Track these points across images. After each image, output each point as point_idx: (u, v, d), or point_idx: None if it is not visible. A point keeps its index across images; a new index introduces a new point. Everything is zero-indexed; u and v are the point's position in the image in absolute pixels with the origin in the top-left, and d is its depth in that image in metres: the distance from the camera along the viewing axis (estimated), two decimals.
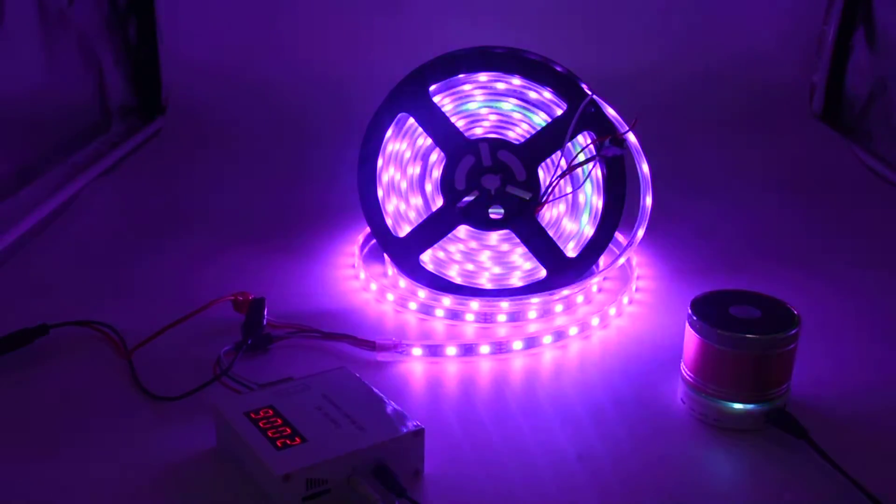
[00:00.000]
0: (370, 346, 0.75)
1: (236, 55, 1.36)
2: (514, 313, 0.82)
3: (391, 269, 0.89)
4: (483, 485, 0.60)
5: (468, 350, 0.76)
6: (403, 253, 0.86)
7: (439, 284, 0.85)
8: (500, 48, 0.82)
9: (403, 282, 0.86)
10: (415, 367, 0.75)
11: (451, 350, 0.75)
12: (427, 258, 0.86)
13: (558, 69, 0.81)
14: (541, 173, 0.82)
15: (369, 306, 0.85)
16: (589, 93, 0.80)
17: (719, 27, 1.38)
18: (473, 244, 0.87)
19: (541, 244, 0.84)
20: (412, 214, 0.87)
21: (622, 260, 0.86)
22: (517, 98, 0.83)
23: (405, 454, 0.59)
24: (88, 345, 0.76)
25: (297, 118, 1.30)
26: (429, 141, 0.84)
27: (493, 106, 0.83)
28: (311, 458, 0.56)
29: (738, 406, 0.65)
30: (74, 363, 0.74)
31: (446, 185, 0.83)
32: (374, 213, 0.86)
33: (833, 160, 1.25)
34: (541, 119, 0.83)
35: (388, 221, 0.86)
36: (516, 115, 0.84)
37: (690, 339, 0.67)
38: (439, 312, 0.82)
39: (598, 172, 0.82)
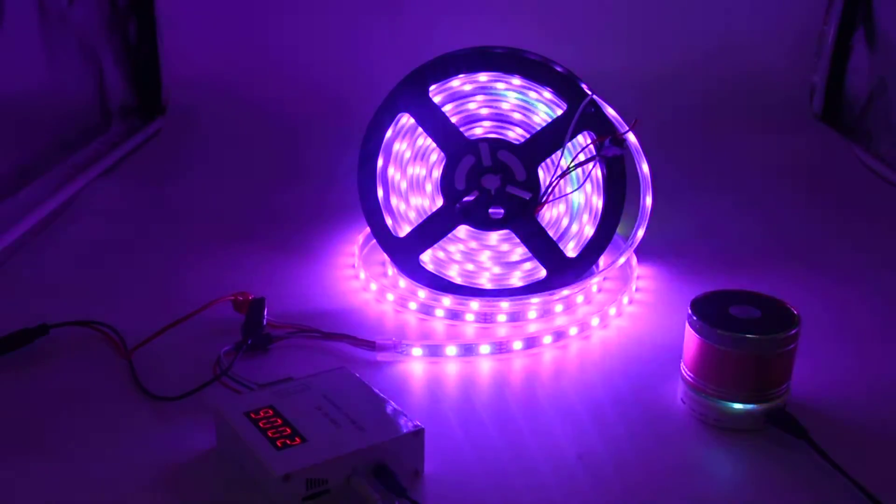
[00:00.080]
0: (370, 346, 0.75)
1: (236, 55, 1.36)
2: (514, 313, 0.82)
3: (391, 269, 0.89)
4: (483, 485, 0.60)
5: (468, 350, 0.76)
6: (403, 253, 0.86)
7: (439, 284, 0.85)
8: (500, 48, 0.82)
9: (403, 282, 0.86)
10: (415, 367, 0.75)
11: (451, 350, 0.75)
12: (427, 258, 0.86)
13: (558, 69, 0.81)
14: (541, 173, 0.82)
15: (369, 306, 0.85)
16: (589, 93, 0.80)
17: (719, 27, 1.38)
18: (473, 244, 0.87)
19: (541, 244, 0.84)
20: (412, 214, 0.87)
21: (622, 260, 0.86)
22: (517, 98, 0.83)
23: (405, 454, 0.59)
24: (88, 345, 0.76)
25: (297, 118, 1.30)
26: (429, 141, 0.84)
27: (493, 106, 0.84)
28: (311, 458, 0.56)
29: (738, 406, 0.65)
30: (74, 363, 0.74)
31: (446, 185, 0.83)
32: (374, 213, 0.86)
33: (833, 160, 1.25)
34: (541, 119, 0.83)
35: (388, 221, 0.86)
36: (516, 115, 0.84)
37: (690, 339, 0.67)
38: (439, 312, 0.82)
39: (598, 172, 0.82)
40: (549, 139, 0.81)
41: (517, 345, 0.76)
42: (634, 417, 0.68)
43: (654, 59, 1.36)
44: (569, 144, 0.81)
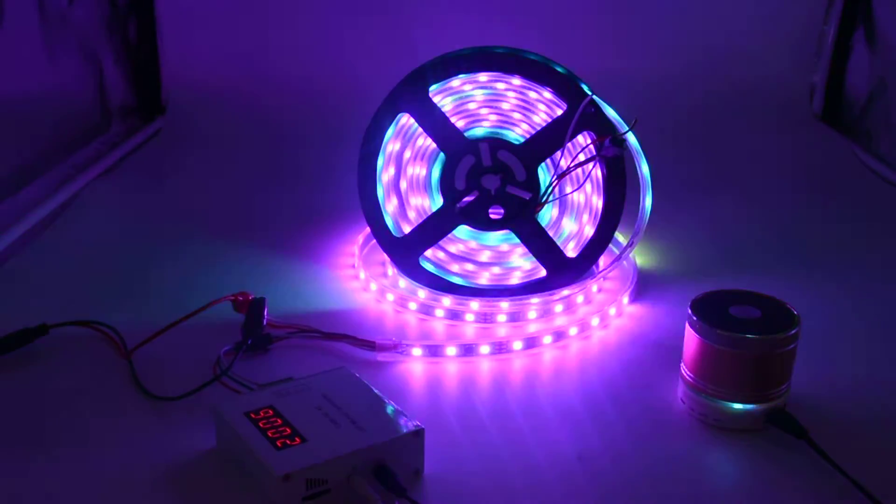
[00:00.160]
0: (370, 346, 0.75)
1: (236, 55, 1.36)
2: (514, 313, 0.82)
3: (391, 269, 0.89)
4: (483, 485, 0.60)
5: (468, 350, 0.76)
6: (403, 253, 0.86)
7: (439, 284, 0.85)
8: (500, 48, 0.82)
9: (403, 282, 0.86)
10: (415, 367, 0.75)
11: (451, 350, 0.75)
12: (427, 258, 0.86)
13: (558, 69, 0.81)
14: (541, 173, 0.82)
15: (369, 306, 0.85)
16: (589, 93, 0.80)
17: (719, 27, 1.38)
18: (473, 244, 0.87)
19: (541, 244, 0.84)
20: (412, 214, 0.87)
21: (622, 260, 0.86)
22: (517, 98, 0.83)
23: (405, 454, 0.59)
24: (88, 345, 0.76)
25: (298, 118, 1.30)
26: (429, 141, 0.84)
27: (493, 106, 0.84)
28: (311, 458, 0.56)
29: (737, 406, 0.65)
30: (74, 363, 0.74)
31: (446, 185, 0.83)
32: (374, 213, 0.86)
33: (833, 160, 1.25)
34: (541, 119, 0.83)
35: (388, 221, 0.86)
36: (516, 115, 0.84)
37: (690, 340, 0.67)
38: (439, 312, 0.82)
39: (598, 173, 0.82)
40: (549, 139, 0.81)
41: (517, 345, 0.76)
42: (634, 417, 0.68)
43: (654, 59, 1.36)
44: (569, 144, 0.81)
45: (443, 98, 0.83)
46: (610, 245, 0.85)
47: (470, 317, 0.82)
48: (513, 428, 0.67)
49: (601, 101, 0.79)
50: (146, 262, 0.93)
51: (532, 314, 0.82)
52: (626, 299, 0.85)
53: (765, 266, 0.94)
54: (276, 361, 0.74)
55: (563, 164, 0.81)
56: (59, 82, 1.15)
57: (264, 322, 0.76)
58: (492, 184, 0.83)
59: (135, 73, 1.37)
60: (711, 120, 1.32)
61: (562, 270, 0.84)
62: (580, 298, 0.85)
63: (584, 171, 0.82)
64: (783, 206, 1.11)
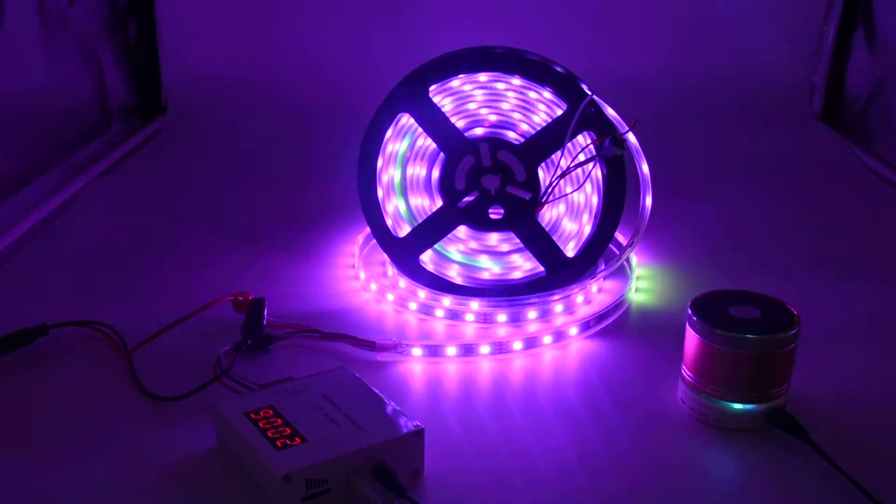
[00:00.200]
0: (370, 346, 0.75)
1: (236, 55, 1.36)
2: (514, 313, 0.82)
3: (391, 269, 0.89)
4: (483, 485, 0.60)
5: (468, 350, 0.76)
6: (403, 253, 0.86)
7: (439, 284, 0.85)
8: (500, 48, 0.82)
9: (403, 282, 0.86)
10: (415, 367, 0.75)
11: (451, 350, 0.75)
12: (427, 258, 0.86)
13: (558, 69, 0.81)
14: (541, 173, 0.82)
15: (369, 306, 0.85)
16: (589, 93, 0.80)
17: (719, 27, 1.38)
18: (473, 244, 0.87)
19: (541, 244, 0.84)
20: (412, 214, 0.87)
21: (622, 260, 0.86)
22: (517, 98, 0.83)
23: (405, 454, 0.59)
24: (88, 345, 0.76)
25: (297, 118, 1.30)
26: (429, 141, 0.84)
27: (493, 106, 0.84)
28: (311, 458, 0.56)
29: (737, 406, 0.65)
30: (74, 363, 0.74)
31: (446, 185, 0.83)
32: (374, 213, 0.86)
33: (833, 160, 1.25)
34: (541, 119, 0.83)
35: (388, 221, 0.86)
36: (516, 115, 0.84)
37: (690, 340, 0.67)
38: (439, 312, 0.82)
39: (598, 172, 0.82)
40: (549, 139, 0.81)
41: (517, 345, 0.76)
42: (634, 417, 0.68)
43: (654, 59, 1.36)
44: (569, 144, 0.81)
45: (443, 98, 0.83)
46: (610, 245, 0.85)
47: (470, 317, 0.82)
48: (513, 428, 0.67)
49: (601, 101, 0.79)
50: (146, 261, 0.93)
51: (532, 314, 0.82)
52: (625, 300, 0.85)
53: (765, 266, 0.94)
54: (276, 361, 0.74)
55: (563, 164, 0.81)
56: (59, 82, 1.16)
57: (264, 322, 0.76)
58: (492, 184, 0.83)
59: (135, 73, 1.37)
60: (711, 119, 1.32)
61: (562, 270, 0.84)
62: (580, 298, 0.85)
63: (584, 171, 0.82)
64: (783, 206, 1.11)
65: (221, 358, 0.70)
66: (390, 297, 0.85)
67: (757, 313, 0.66)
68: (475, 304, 0.82)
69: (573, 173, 0.82)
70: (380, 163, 0.85)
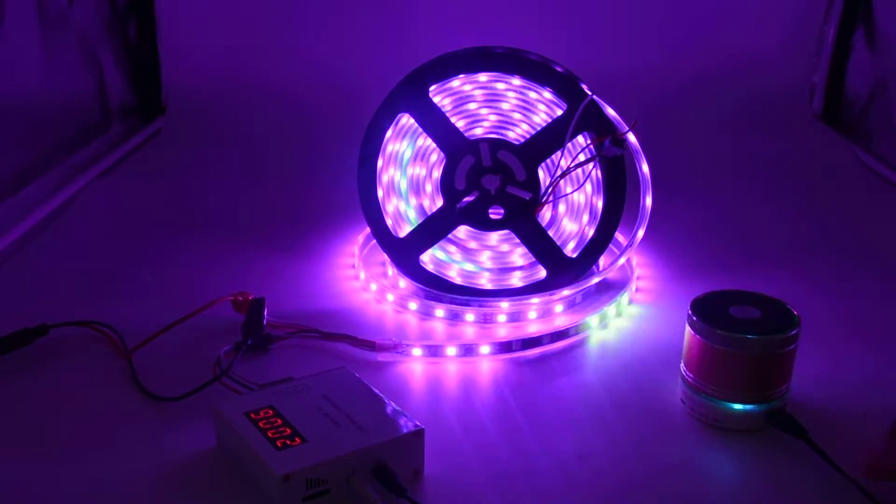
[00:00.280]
0: (370, 346, 0.75)
1: (236, 55, 1.36)
2: (514, 313, 0.82)
3: (391, 269, 0.89)
4: (483, 485, 0.60)
5: (468, 350, 0.76)
6: (403, 253, 0.86)
7: (439, 284, 0.85)
8: (500, 48, 0.82)
9: (403, 282, 0.86)
10: (415, 367, 0.75)
11: (451, 350, 0.75)
12: (427, 258, 0.86)
13: (558, 69, 0.81)
14: (541, 173, 0.82)
15: (369, 306, 0.85)
16: (589, 93, 0.80)
17: (719, 27, 1.38)
18: (473, 244, 0.87)
19: (541, 244, 0.84)
20: (412, 214, 0.87)
21: (622, 260, 0.86)
22: (517, 98, 0.83)
23: (405, 454, 0.59)
24: (88, 345, 0.76)
25: (297, 118, 1.30)
26: (429, 141, 0.84)
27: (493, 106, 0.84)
28: (311, 458, 0.56)
29: (737, 406, 0.65)
30: (74, 363, 0.74)
31: (446, 185, 0.83)
32: (374, 213, 0.86)
33: (833, 160, 1.25)
34: (541, 119, 0.83)
35: (388, 221, 0.86)
36: (516, 115, 0.84)
37: (690, 340, 0.67)
38: (439, 313, 0.82)
39: (598, 173, 0.82)
40: (549, 139, 0.81)
41: (517, 345, 0.76)
42: (634, 417, 0.68)
43: (654, 59, 1.36)
44: (569, 144, 0.81)
45: (443, 98, 0.83)
46: (610, 245, 0.85)
47: (470, 317, 0.82)
48: (513, 428, 0.67)
49: (601, 101, 0.79)
50: (146, 262, 0.93)
51: (532, 314, 0.82)
52: (626, 299, 0.85)
53: (765, 266, 0.94)
54: (276, 361, 0.74)
55: (563, 164, 0.81)
56: (59, 82, 1.16)
57: (264, 322, 0.76)
58: (492, 184, 0.83)
59: (135, 73, 1.37)
60: (711, 119, 1.32)
61: (562, 271, 0.84)
62: (580, 298, 0.85)
63: (584, 171, 0.82)
64: (783, 206, 1.11)
65: (221, 358, 0.70)
66: (390, 297, 0.85)
67: (757, 313, 0.66)
68: (475, 305, 0.81)
69: (573, 173, 0.82)
70: (380, 163, 0.85)
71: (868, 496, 0.57)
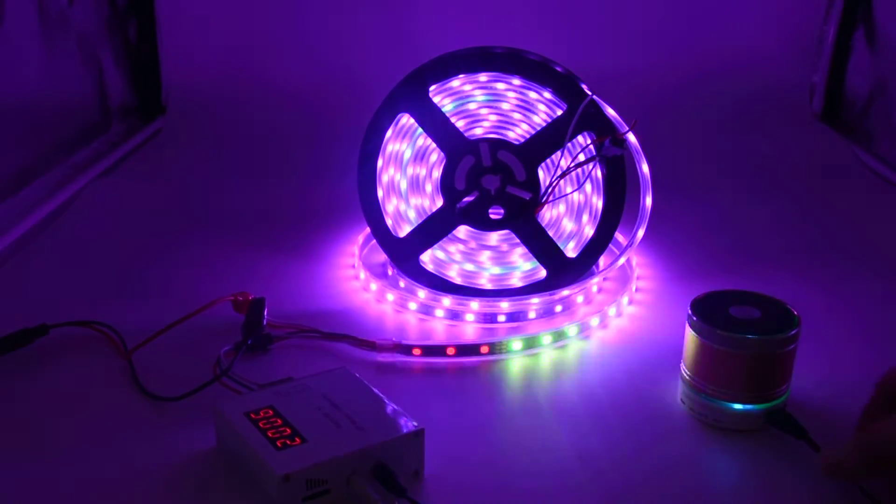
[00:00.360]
0: (370, 346, 0.75)
1: (236, 55, 1.36)
2: (514, 313, 0.82)
3: (391, 269, 0.89)
4: (483, 485, 0.60)
5: (468, 350, 0.76)
6: (403, 253, 0.86)
7: (439, 284, 0.85)
8: (500, 48, 0.82)
9: (403, 282, 0.86)
10: (415, 367, 0.75)
11: (452, 350, 0.75)
12: (427, 258, 0.86)
13: (558, 69, 0.81)
14: (541, 173, 0.82)
15: (369, 306, 0.85)
16: (589, 93, 0.80)
17: (719, 27, 1.38)
18: (473, 244, 0.87)
19: (541, 244, 0.84)
20: (412, 214, 0.87)
21: (622, 260, 0.86)
22: (517, 98, 0.83)
23: (405, 455, 0.59)
24: (88, 345, 0.76)
25: (297, 118, 1.30)
26: (429, 141, 0.84)
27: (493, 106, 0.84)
28: (311, 458, 0.56)
29: (737, 406, 0.65)
30: (74, 363, 0.74)
31: (446, 185, 0.83)
32: (374, 213, 0.86)
33: (833, 160, 1.25)
34: (541, 119, 0.83)
35: (388, 221, 0.86)
36: (516, 116, 0.84)
37: (690, 340, 0.67)
38: (439, 313, 0.82)
39: (598, 173, 0.82)
40: (549, 139, 0.81)
41: (517, 345, 0.76)
42: (634, 417, 0.68)
43: (654, 59, 1.36)
44: (569, 144, 0.81)
45: (443, 98, 0.83)
46: (610, 245, 0.85)
47: (470, 317, 0.82)
48: (513, 428, 0.67)
49: (601, 101, 0.79)
50: (146, 262, 0.93)
51: (532, 314, 0.82)
52: (626, 299, 0.85)
53: (765, 266, 0.94)
54: (276, 361, 0.74)
55: (564, 164, 0.81)
56: (59, 82, 1.16)
57: (264, 322, 0.76)
58: (492, 184, 0.83)
59: (135, 73, 1.37)
60: (711, 119, 1.32)
61: (562, 271, 0.84)
62: (580, 298, 0.85)
63: (584, 171, 0.82)
64: (783, 206, 1.11)
65: (221, 358, 0.70)
66: (390, 297, 0.85)
67: (757, 313, 0.66)
68: (475, 304, 0.82)
69: (573, 173, 0.82)
70: (380, 163, 0.85)
71: (868, 496, 0.58)
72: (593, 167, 0.81)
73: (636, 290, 0.88)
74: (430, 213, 0.85)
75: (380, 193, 0.86)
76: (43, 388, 0.70)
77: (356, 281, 0.89)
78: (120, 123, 1.32)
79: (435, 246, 0.85)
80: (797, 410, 0.66)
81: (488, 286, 0.86)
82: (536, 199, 0.82)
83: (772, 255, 0.98)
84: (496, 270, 0.86)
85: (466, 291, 0.85)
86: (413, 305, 0.83)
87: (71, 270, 0.91)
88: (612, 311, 0.82)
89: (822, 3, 1.37)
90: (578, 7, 1.36)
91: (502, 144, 0.82)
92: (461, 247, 0.87)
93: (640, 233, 0.83)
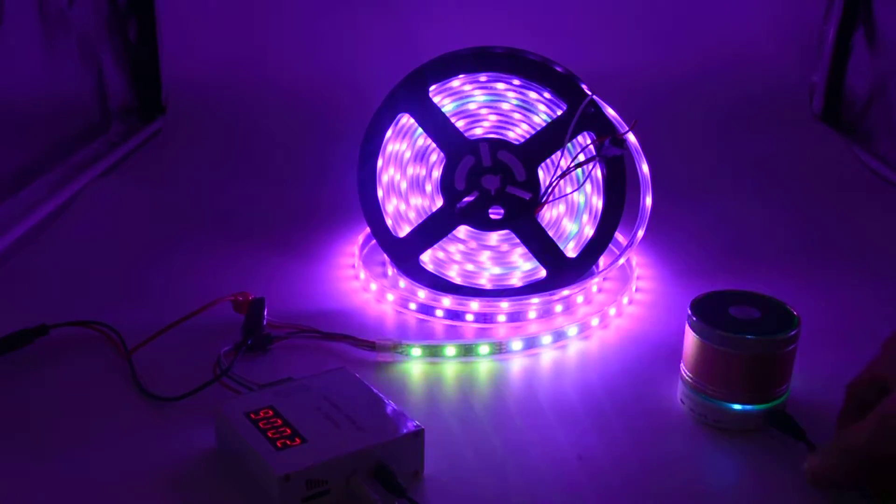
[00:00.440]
0: (370, 346, 0.75)
1: (236, 55, 1.36)
2: (514, 313, 0.82)
3: (391, 269, 0.89)
4: (483, 485, 0.60)
5: (468, 350, 0.76)
6: (403, 253, 0.86)
7: (439, 284, 0.85)
8: (500, 48, 0.82)
9: (403, 282, 0.86)
10: (415, 367, 0.75)
11: (451, 350, 0.75)
12: (427, 258, 0.86)
13: (558, 69, 0.81)
14: (541, 173, 0.82)
15: (369, 306, 0.85)
16: (589, 93, 0.80)
17: (719, 27, 1.38)
18: (473, 244, 0.87)
19: (541, 244, 0.84)
20: (412, 214, 0.87)
21: (622, 260, 0.86)
22: (517, 98, 0.83)
23: (405, 455, 0.59)
24: (88, 345, 0.76)
25: (297, 118, 1.30)
26: (429, 141, 0.84)
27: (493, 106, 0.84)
28: (310, 458, 0.56)
29: (737, 406, 0.65)
30: (74, 363, 0.74)
31: (446, 185, 0.83)
32: (374, 213, 0.86)
33: (833, 160, 1.25)
34: (541, 119, 0.83)
35: (388, 221, 0.86)
36: (516, 116, 0.84)
37: (690, 340, 0.67)
38: (439, 313, 0.82)
39: (598, 173, 0.82)
40: (549, 139, 0.81)
41: (517, 345, 0.77)
42: (634, 418, 0.68)
43: (654, 59, 1.36)
44: (569, 144, 0.81)
45: (443, 98, 0.83)
46: (610, 245, 0.85)
47: (470, 317, 0.82)
48: (512, 428, 0.67)
49: (601, 101, 0.79)
50: (146, 262, 0.93)
51: (532, 314, 0.82)
52: (626, 299, 0.85)
53: (765, 266, 0.94)
54: (276, 361, 0.74)
55: (563, 164, 0.81)
56: (59, 82, 1.16)
57: (264, 322, 0.76)
58: (492, 184, 0.83)
59: (135, 73, 1.37)
60: (711, 120, 1.32)
61: (562, 271, 0.84)
62: (580, 298, 0.85)
63: (584, 171, 0.82)
64: (782, 206, 1.11)
65: (221, 358, 0.70)
66: (390, 297, 0.85)
67: (757, 314, 0.66)
68: (475, 304, 0.82)
69: (573, 173, 0.82)
70: (380, 163, 0.85)
71: (866, 496, 0.57)
72: (593, 167, 0.81)
73: (636, 290, 0.88)
74: (430, 213, 0.85)
75: (380, 193, 0.86)
76: (43, 388, 0.70)
77: (356, 281, 0.89)
78: (120, 123, 1.32)
79: (435, 246, 0.85)
80: (797, 411, 0.66)
81: (488, 286, 0.86)
82: (536, 199, 0.82)
83: (772, 255, 0.97)
84: (496, 270, 0.86)
85: (466, 291, 0.85)
86: (413, 305, 0.83)
87: (71, 270, 0.91)
88: (612, 311, 0.82)
89: (822, 3, 1.37)
90: (578, 7, 1.36)
91: (502, 144, 0.82)
92: (461, 247, 0.87)
93: (640, 233, 0.83)
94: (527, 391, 0.72)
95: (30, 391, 0.70)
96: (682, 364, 0.68)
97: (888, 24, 1.28)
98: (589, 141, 0.81)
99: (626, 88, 1.08)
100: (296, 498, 0.55)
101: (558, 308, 0.84)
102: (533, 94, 0.83)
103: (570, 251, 0.85)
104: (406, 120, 0.84)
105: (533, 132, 0.82)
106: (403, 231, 0.86)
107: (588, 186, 0.83)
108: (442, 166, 0.83)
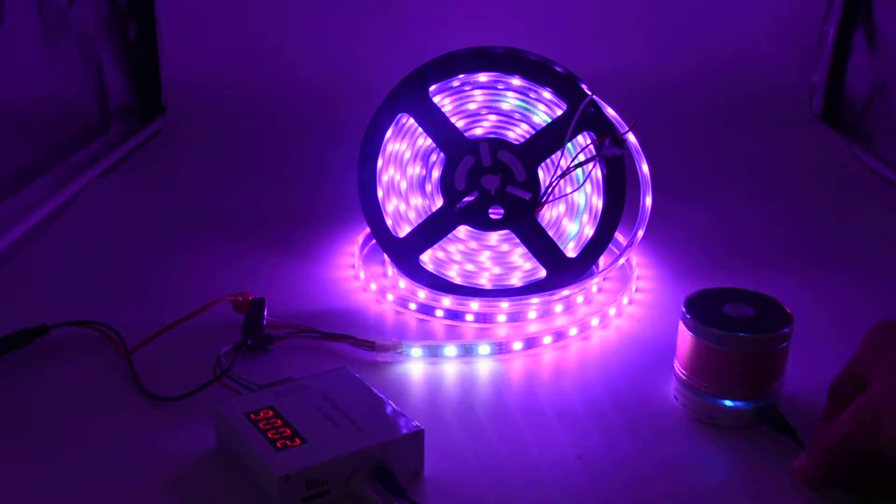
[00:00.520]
0: (370, 347, 0.75)
1: (236, 55, 1.36)
2: (514, 313, 0.82)
3: (391, 269, 0.89)
4: (483, 485, 0.60)
5: (468, 350, 0.76)
6: (403, 253, 0.86)
7: (439, 284, 0.85)
8: (500, 48, 0.82)
9: (403, 282, 0.86)
10: (415, 367, 0.75)
11: (451, 350, 0.75)
12: (427, 258, 0.86)
13: (558, 69, 0.81)
14: (541, 173, 0.82)
15: (369, 306, 0.85)
16: (589, 93, 0.80)
17: (719, 27, 1.38)
18: (473, 244, 0.87)
19: (541, 244, 0.84)
20: (412, 214, 0.87)
21: (622, 260, 0.86)
22: (517, 98, 0.83)
23: (405, 455, 0.59)
24: (88, 345, 0.76)
25: (297, 118, 1.30)
26: (429, 141, 0.84)
27: (492, 106, 0.84)
28: (310, 458, 0.56)
29: (728, 403, 0.65)
30: (74, 363, 0.74)
31: (446, 185, 0.83)
32: (373, 213, 0.86)
33: (833, 160, 1.25)
34: (541, 119, 0.83)
35: (388, 221, 0.86)
36: (516, 116, 0.84)
37: (684, 337, 0.67)
38: (439, 313, 0.82)
39: (598, 173, 0.82)
40: (549, 139, 0.81)
41: (517, 345, 0.77)
42: (634, 417, 0.68)
43: (654, 59, 1.36)
44: (569, 144, 0.81)
45: (442, 98, 0.83)
46: (610, 245, 0.85)
47: (470, 317, 0.82)
48: (513, 428, 0.67)
49: (601, 101, 0.79)
50: (146, 262, 0.93)
51: (532, 314, 0.82)
52: (625, 299, 0.85)
53: (765, 266, 0.94)
54: (276, 361, 0.74)
55: (563, 164, 0.81)
56: (59, 82, 1.16)
57: (264, 322, 0.76)
58: (492, 184, 0.83)
59: (135, 73, 1.37)
60: (711, 120, 1.32)
61: (562, 270, 0.84)
62: (580, 298, 0.85)
63: (584, 171, 0.82)
64: (782, 206, 1.11)
65: (221, 358, 0.70)
66: (390, 297, 0.85)
67: (751, 312, 0.66)
68: (475, 304, 0.82)
69: (573, 173, 0.82)
70: (380, 163, 0.85)
71: (853, 493, 0.58)
72: (593, 167, 0.81)
73: (636, 290, 0.88)
74: (430, 213, 0.85)
75: (380, 193, 0.86)
76: (43, 388, 0.70)
77: (356, 281, 0.89)
78: (120, 123, 1.32)
79: (435, 246, 0.85)
80: (791, 408, 0.66)
81: (488, 286, 0.86)
82: (536, 199, 0.82)
83: (772, 256, 0.97)
84: (496, 270, 0.86)
85: (466, 291, 0.85)
86: (413, 305, 0.83)
87: (71, 270, 0.91)
88: (612, 311, 0.82)
89: (822, 3, 1.37)
90: (578, 7, 1.36)
91: (502, 144, 0.82)
92: (461, 247, 0.87)
93: (640, 233, 0.83)
94: (527, 391, 0.72)
95: (30, 391, 0.70)
96: (675, 361, 0.68)
97: (888, 24, 1.28)
98: (589, 141, 0.81)
99: (626, 88, 1.08)
100: (296, 498, 0.55)
101: (558, 308, 0.84)
102: (533, 94, 0.83)
103: (570, 251, 0.85)
104: (406, 120, 0.84)
105: (533, 132, 0.82)
106: (403, 231, 0.86)
107: (588, 186, 0.83)
108: (442, 166, 0.83)
